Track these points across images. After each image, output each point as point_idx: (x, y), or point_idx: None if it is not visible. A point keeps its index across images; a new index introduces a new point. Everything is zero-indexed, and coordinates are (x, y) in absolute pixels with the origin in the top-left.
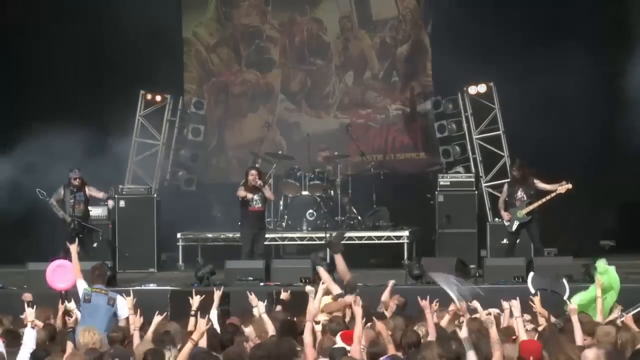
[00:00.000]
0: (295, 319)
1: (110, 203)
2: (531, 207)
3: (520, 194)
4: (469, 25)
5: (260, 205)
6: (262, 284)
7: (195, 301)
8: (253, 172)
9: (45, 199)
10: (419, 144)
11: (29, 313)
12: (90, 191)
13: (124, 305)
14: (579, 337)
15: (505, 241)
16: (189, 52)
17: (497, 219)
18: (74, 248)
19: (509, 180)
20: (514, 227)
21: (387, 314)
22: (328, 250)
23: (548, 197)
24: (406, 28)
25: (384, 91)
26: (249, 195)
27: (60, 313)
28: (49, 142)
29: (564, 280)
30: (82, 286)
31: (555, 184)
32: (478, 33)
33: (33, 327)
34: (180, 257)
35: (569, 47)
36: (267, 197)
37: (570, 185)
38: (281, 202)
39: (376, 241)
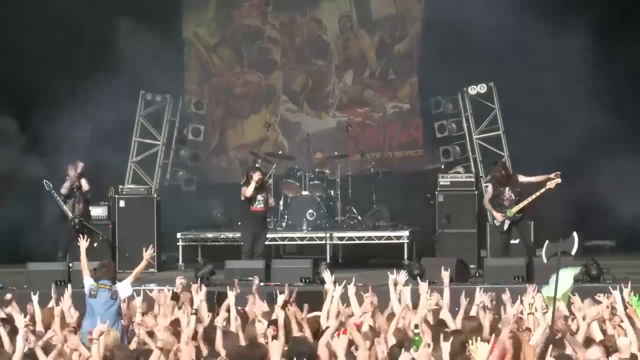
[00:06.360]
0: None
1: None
2: (521, 205)
3: (508, 193)
4: (469, 24)
5: (262, 205)
6: (262, 284)
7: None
8: (259, 173)
9: (50, 191)
10: (418, 141)
11: (19, 320)
12: (81, 183)
13: (125, 287)
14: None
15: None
16: (189, 52)
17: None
18: (83, 245)
19: (490, 179)
20: (506, 227)
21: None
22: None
23: (538, 194)
24: (404, 26)
25: (380, 89)
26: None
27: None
28: (49, 143)
29: (575, 235)
30: (88, 283)
31: (540, 175)
32: (478, 33)
33: (27, 340)
34: (180, 257)
35: (569, 46)
36: (269, 203)
37: (559, 180)
38: (281, 202)
39: (376, 241)
